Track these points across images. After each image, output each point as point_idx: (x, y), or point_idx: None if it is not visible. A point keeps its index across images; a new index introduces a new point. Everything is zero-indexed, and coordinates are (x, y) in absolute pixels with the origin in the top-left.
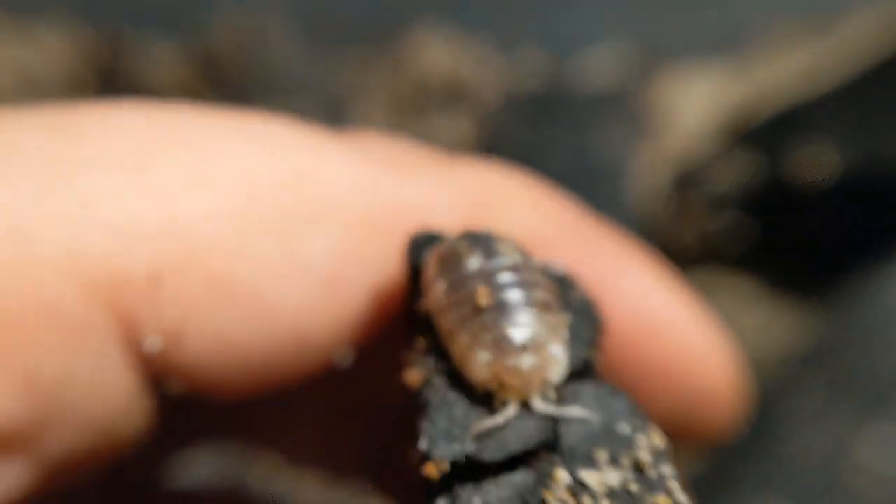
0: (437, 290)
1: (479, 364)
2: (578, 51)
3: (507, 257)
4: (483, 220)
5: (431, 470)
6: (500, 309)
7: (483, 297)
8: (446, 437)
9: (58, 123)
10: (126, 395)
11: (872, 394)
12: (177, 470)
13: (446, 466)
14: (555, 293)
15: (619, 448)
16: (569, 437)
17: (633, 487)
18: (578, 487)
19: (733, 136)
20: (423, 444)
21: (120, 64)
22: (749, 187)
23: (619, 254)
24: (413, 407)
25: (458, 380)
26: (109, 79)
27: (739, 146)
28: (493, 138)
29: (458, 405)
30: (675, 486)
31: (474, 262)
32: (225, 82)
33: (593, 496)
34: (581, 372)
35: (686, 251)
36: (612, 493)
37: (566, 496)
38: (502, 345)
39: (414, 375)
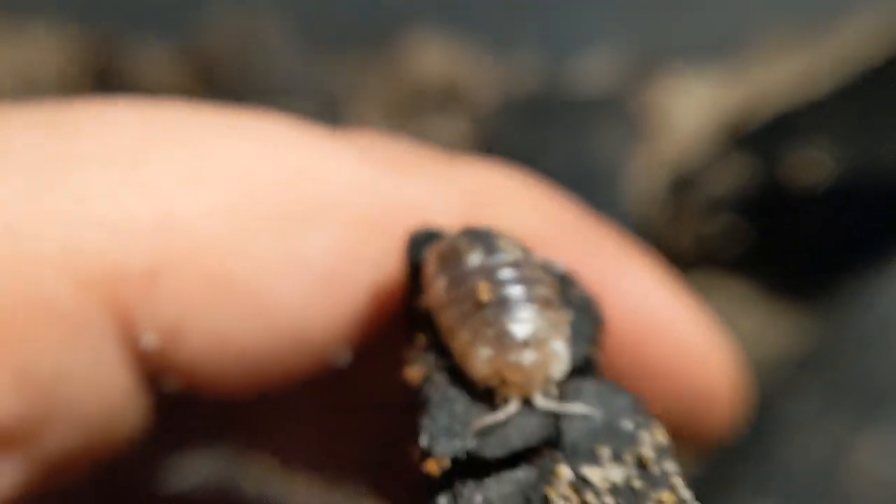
0: (437, 287)
1: (481, 360)
2: (575, 54)
3: (508, 253)
4: (483, 219)
5: (432, 467)
6: (502, 305)
7: (484, 292)
8: (447, 433)
9: (53, 120)
10: (122, 393)
11: (870, 397)
12: (171, 472)
13: (447, 463)
14: (556, 289)
15: (621, 444)
16: (571, 433)
17: (637, 483)
18: (581, 483)
19: (730, 140)
20: (423, 441)
21: (115, 65)
22: (745, 191)
23: (619, 254)
24: (413, 404)
25: (458, 376)
26: (105, 80)
27: (736, 149)
28: (489, 141)
29: (459, 402)
30: (678, 482)
31: (475, 259)
32: (221, 84)
33: (596, 492)
34: (583, 369)
35: (682, 254)
36: (615, 489)
37: (569, 492)
38: (504, 340)
39: (414, 372)
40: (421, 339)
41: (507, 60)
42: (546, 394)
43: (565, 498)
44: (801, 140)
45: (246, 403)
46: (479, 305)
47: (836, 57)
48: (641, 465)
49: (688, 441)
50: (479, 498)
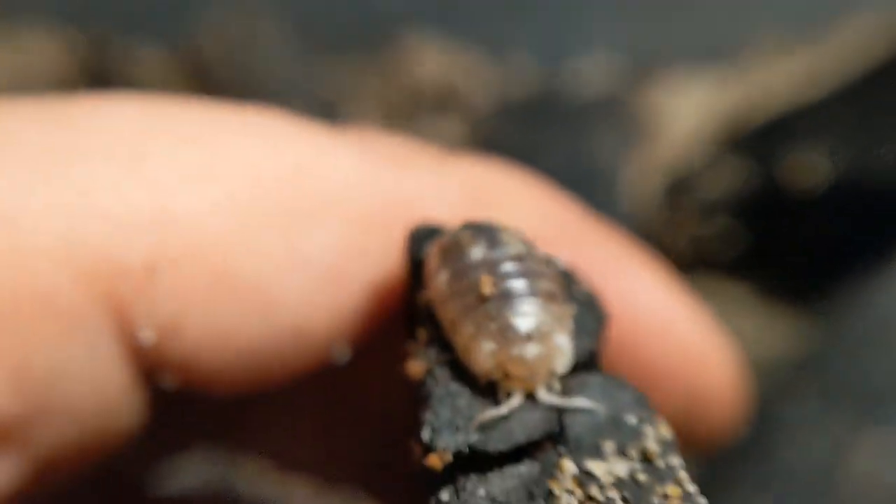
0: (439, 281)
1: (484, 353)
2: (570, 57)
3: (511, 247)
4: (483, 216)
5: (434, 461)
6: (505, 298)
7: (487, 285)
8: (449, 427)
9: (55, 113)
10: (118, 389)
11: (867, 400)
12: (166, 475)
13: (449, 457)
14: (560, 283)
15: (626, 439)
16: (574, 427)
17: (642, 477)
18: (585, 477)
19: (726, 143)
20: (425, 435)
21: (112, 67)
22: (743, 193)
23: (620, 253)
24: (415, 399)
25: (461, 371)
26: (102, 82)
27: (732, 153)
28: (486, 143)
29: (462, 396)
30: (684, 475)
31: (477, 252)
32: (218, 85)
33: (601, 486)
34: (586, 363)
35: (679, 257)
36: (619, 483)
37: (573, 486)
38: (507, 334)
39: (416, 367)
40: (422, 334)
41: (504, 63)
42: (549, 388)
43: (569, 492)
44: (798, 142)
45: (244, 402)
46: (482, 299)
47: (833, 59)
48: (646, 459)
49: (689, 442)
50: (481, 492)
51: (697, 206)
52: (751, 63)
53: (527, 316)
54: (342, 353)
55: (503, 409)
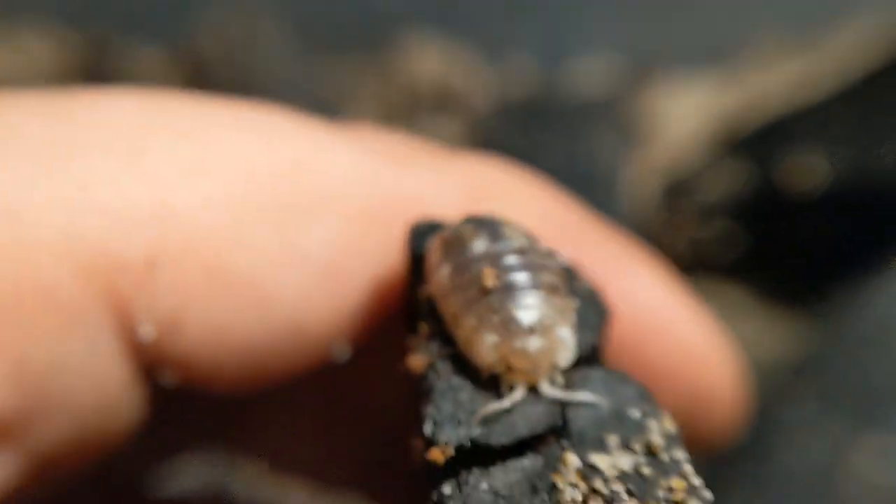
0: (441, 274)
1: (486, 346)
2: (569, 59)
3: (514, 240)
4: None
5: (436, 455)
6: (507, 291)
7: (489, 278)
8: (451, 421)
9: (56, 107)
10: (118, 385)
11: (866, 403)
12: (166, 476)
13: (451, 451)
14: (562, 277)
15: (630, 433)
16: (578, 421)
17: (646, 471)
18: (589, 471)
19: (724, 145)
20: (427, 429)
21: (110, 67)
22: (740, 196)
23: (621, 253)
24: (416, 394)
25: (462, 364)
26: (100, 82)
27: (730, 155)
28: (484, 144)
29: (464, 390)
30: (689, 469)
31: (480, 245)
32: (216, 86)
33: (605, 479)
34: (589, 357)
35: (678, 259)
36: (624, 476)
37: (577, 479)
38: (510, 326)
39: (417, 361)
40: (423, 328)
41: (503, 64)
42: (552, 381)
43: (573, 485)
44: (797, 144)
45: (242, 400)
46: (485, 291)
47: (831, 61)
48: (650, 452)
49: (689, 442)
50: (484, 486)
51: (696, 207)
52: (750, 65)
53: (530, 309)
54: (342, 351)
55: (506, 403)
